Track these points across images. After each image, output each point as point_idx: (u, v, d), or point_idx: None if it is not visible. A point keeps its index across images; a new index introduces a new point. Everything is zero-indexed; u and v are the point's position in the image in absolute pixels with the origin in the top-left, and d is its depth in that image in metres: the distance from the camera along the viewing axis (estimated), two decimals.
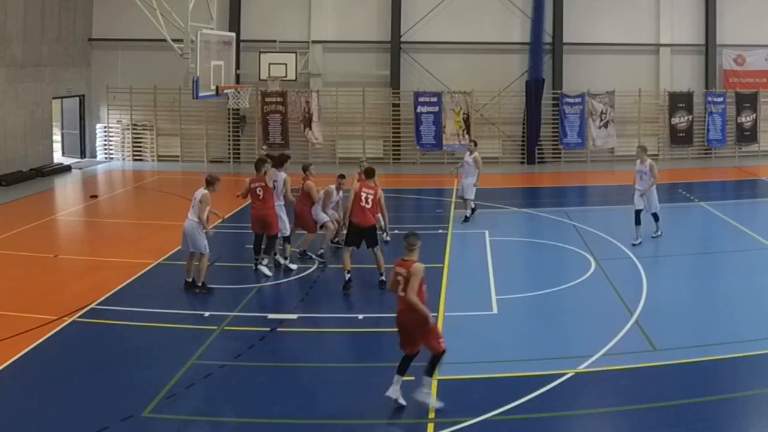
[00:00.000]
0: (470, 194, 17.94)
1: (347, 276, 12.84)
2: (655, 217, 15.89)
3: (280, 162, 14.27)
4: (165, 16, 17.65)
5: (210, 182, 12.73)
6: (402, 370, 8.54)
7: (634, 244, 15.34)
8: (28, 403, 8.62)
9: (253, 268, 13.84)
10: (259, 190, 13.69)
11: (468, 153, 18.25)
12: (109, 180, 25.65)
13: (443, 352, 8.54)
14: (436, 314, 11.44)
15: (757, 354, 9.77)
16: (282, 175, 14.11)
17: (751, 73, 28.97)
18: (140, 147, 28.88)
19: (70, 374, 9.44)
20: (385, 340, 10.79)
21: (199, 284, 12.63)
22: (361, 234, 12.88)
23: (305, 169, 14.73)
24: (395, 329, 8.64)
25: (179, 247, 13.22)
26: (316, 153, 27.89)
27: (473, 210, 18.20)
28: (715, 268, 14.56)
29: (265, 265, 13.72)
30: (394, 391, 8.50)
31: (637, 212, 15.64)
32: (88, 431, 7.92)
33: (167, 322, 11.19)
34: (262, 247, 13.87)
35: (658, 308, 11.77)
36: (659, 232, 15.99)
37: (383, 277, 12.70)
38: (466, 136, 27.89)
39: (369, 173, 13.15)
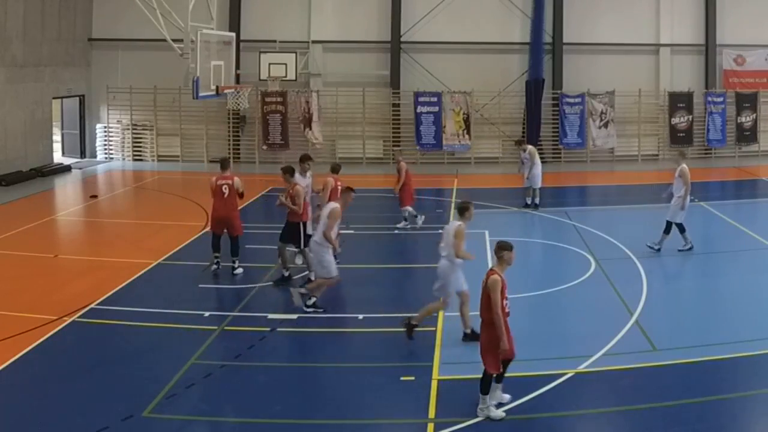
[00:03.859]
0: (538, 183, 19.60)
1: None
2: (680, 228, 14.87)
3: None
4: (165, 16, 17.63)
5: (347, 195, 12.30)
6: None
7: (680, 250, 14.89)
8: (28, 403, 8.63)
9: (214, 269, 13.61)
10: (225, 188, 13.52)
11: (522, 151, 19.93)
12: (109, 180, 25.64)
13: None
14: (435, 314, 11.48)
15: (757, 354, 9.77)
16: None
17: (751, 73, 28.95)
18: (140, 147, 28.86)
19: (70, 374, 9.44)
20: (385, 340, 10.82)
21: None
22: None
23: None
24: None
25: (179, 247, 13.19)
26: (316, 153, 27.78)
27: (537, 205, 19.56)
28: (715, 268, 14.53)
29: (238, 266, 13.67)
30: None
31: (668, 223, 15.00)
32: (88, 431, 7.93)
33: (167, 322, 11.18)
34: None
35: (658, 308, 11.77)
36: (687, 245, 14.83)
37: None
38: (466, 136, 27.95)
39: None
